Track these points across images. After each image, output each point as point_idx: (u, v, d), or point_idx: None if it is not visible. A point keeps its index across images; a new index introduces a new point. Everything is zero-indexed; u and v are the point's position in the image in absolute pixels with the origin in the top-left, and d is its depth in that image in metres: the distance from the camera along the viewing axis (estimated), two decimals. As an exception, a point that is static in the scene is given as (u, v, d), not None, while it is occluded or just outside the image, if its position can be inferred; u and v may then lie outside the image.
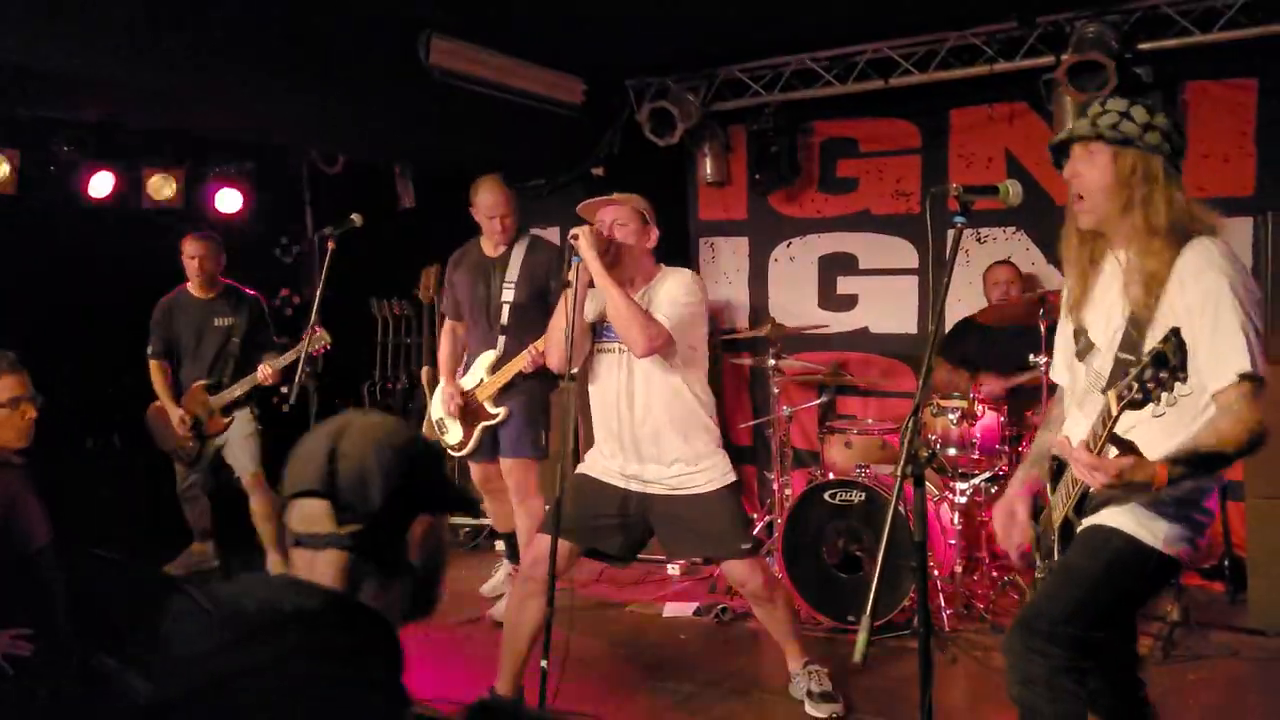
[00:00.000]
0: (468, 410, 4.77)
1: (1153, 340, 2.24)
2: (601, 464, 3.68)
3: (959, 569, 4.79)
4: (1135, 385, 2.03)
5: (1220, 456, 2.25)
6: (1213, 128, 5.37)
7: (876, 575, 2.07)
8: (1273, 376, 4.55)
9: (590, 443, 3.87)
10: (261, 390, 5.53)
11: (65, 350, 5.81)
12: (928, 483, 4.90)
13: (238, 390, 5.41)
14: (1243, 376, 2.24)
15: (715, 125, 6.46)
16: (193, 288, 5.56)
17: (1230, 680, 4.17)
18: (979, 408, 4.79)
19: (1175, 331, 2.01)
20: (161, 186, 6.30)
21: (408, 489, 1.48)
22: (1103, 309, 2.51)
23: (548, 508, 3.84)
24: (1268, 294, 4.67)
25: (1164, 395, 2.02)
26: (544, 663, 3.37)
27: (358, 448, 1.49)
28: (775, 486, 5.34)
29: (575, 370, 3.52)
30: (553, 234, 6.91)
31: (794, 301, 6.58)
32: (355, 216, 4.42)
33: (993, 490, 4.93)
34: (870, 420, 5.65)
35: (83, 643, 3.56)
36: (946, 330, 5.67)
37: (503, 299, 4.73)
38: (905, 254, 6.23)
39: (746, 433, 6.50)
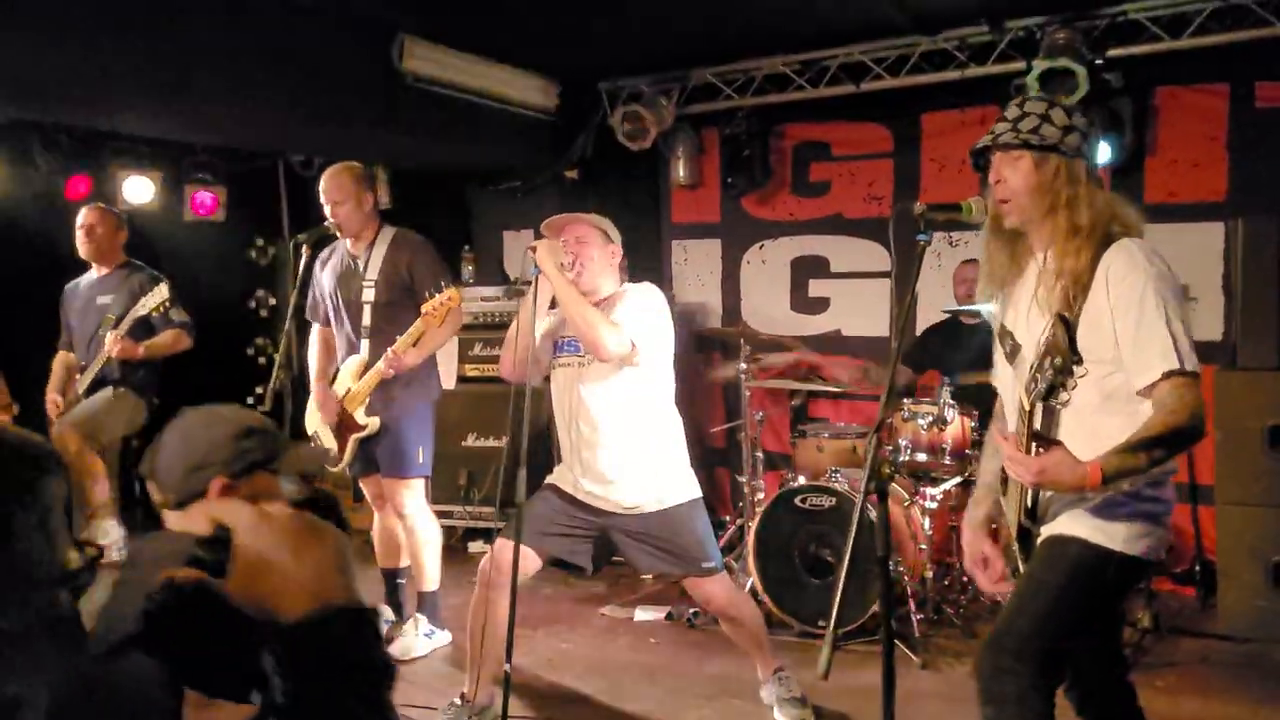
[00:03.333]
0: (340, 421, 4.44)
1: (1079, 339, 2.30)
2: (566, 477, 3.68)
3: (930, 574, 4.80)
4: (1038, 378, 2.12)
5: (1158, 446, 2.25)
6: (1184, 133, 5.40)
7: (838, 594, 2.06)
8: (1245, 384, 4.62)
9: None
10: (134, 370, 5.14)
11: (41, 353, 5.78)
12: (899, 488, 4.95)
13: (92, 371, 5.05)
14: (1168, 374, 2.26)
15: (688, 128, 6.47)
16: (95, 268, 5.29)
17: (1200, 687, 4.18)
18: (949, 413, 4.80)
19: (1060, 318, 2.07)
20: (138, 189, 6.26)
21: (202, 465, 1.71)
22: (1026, 312, 2.52)
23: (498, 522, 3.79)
24: (1239, 299, 4.70)
25: (1066, 381, 2.07)
26: (507, 667, 3.36)
27: (170, 435, 1.77)
28: (747, 490, 5.34)
29: (535, 383, 3.51)
30: (527, 236, 6.92)
31: (766, 304, 6.60)
32: (329, 223, 4.41)
33: (964, 494, 4.94)
34: (842, 423, 5.66)
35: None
36: (917, 334, 5.71)
37: (363, 299, 4.40)
38: (877, 257, 6.23)
39: (720, 435, 6.50)
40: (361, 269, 4.41)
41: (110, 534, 5.23)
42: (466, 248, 6.70)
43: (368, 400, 4.36)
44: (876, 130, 6.22)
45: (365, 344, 4.39)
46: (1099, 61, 5.10)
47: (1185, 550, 5.24)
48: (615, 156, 6.36)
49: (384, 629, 4.63)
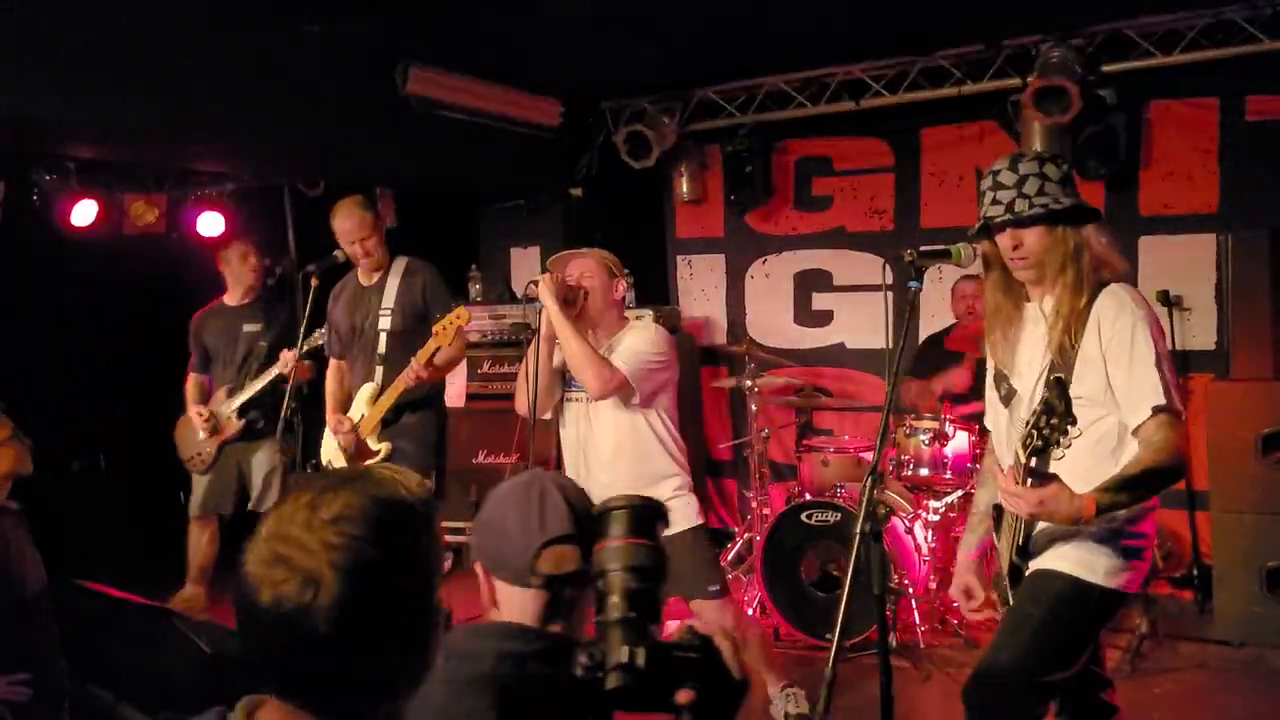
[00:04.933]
0: (355, 448, 4.51)
1: (1074, 383, 2.41)
2: None
3: (933, 585, 4.91)
4: (1034, 434, 2.23)
5: (1145, 482, 2.40)
6: (1176, 146, 5.50)
7: (835, 649, 2.16)
8: (1238, 394, 4.72)
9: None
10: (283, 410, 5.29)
11: (51, 375, 5.89)
12: (901, 499, 5.04)
13: (257, 384, 5.26)
14: (1156, 410, 2.41)
15: (691, 145, 6.56)
16: (228, 297, 5.51)
17: (1197, 692, 4.30)
18: (950, 428, 4.91)
19: (1058, 380, 2.19)
20: (144, 213, 6.34)
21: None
22: (1024, 356, 2.64)
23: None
24: (1229, 314, 4.80)
25: (1060, 439, 2.18)
26: None
27: (577, 495, 1.81)
28: (754, 505, 5.45)
29: (546, 416, 3.60)
30: (532, 254, 7.02)
31: (770, 317, 6.70)
32: (338, 252, 4.48)
33: (965, 506, 5.06)
34: (846, 436, 5.77)
35: (76, 678, 3.63)
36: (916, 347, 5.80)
37: (379, 328, 4.48)
38: (879, 271, 6.28)
39: (727, 447, 6.61)
40: (377, 298, 4.50)
41: None
42: (473, 266, 6.77)
43: (379, 427, 4.43)
44: (877, 145, 6.32)
45: (380, 371, 4.46)
46: (1093, 78, 5.19)
47: (1182, 555, 5.34)
48: (619, 173, 6.44)
49: None
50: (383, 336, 4.46)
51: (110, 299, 6.25)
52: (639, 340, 3.62)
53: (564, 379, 3.75)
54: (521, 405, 3.66)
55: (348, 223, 4.44)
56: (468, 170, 6.19)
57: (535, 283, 3.52)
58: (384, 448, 4.42)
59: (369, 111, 5.32)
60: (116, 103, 4.32)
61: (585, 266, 3.65)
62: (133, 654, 4.04)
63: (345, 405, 4.62)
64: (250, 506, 5.35)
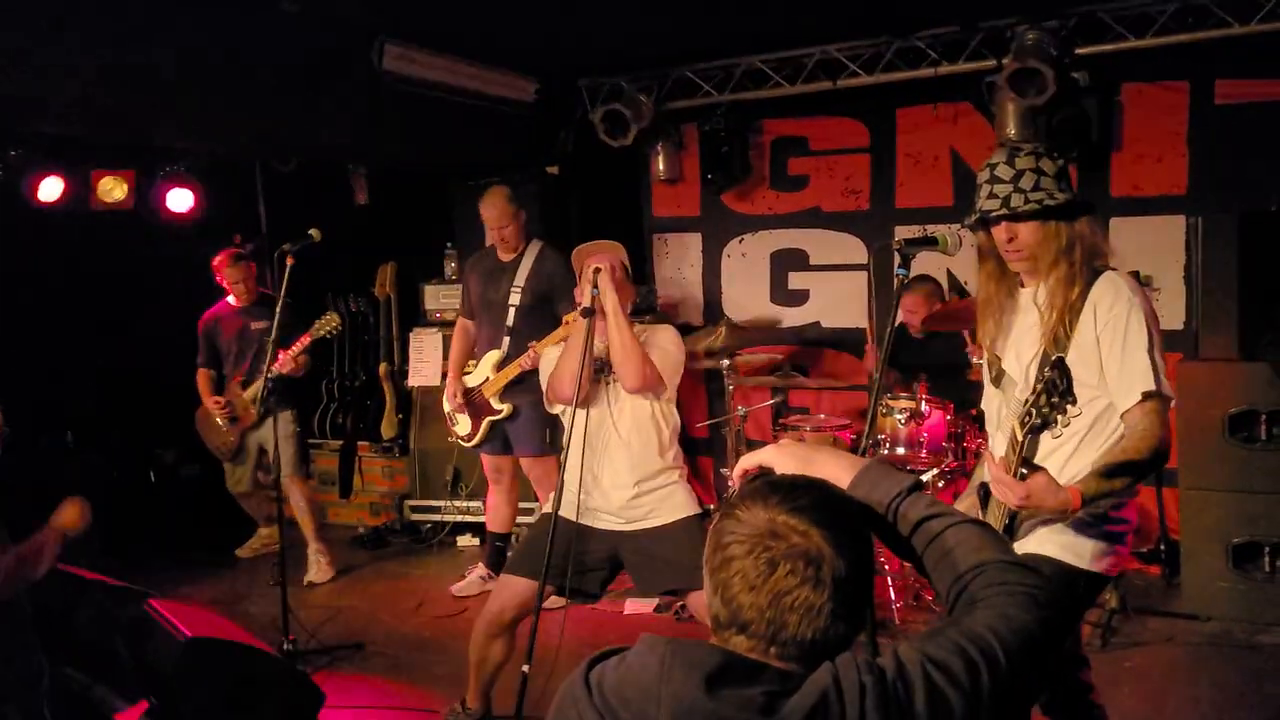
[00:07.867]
0: (475, 405, 5.19)
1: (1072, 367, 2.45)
2: (571, 501, 3.69)
3: (908, 562, 4.96)
4: (1034, 412, 2.26)
5: (1129, 469, 2.44)
6: (1148, 128, 5.57)
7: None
8: (1206, 374, 4.80)
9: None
10: (298, 390, 6.04)
11: (17, 351, 5.81)
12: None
13: (260, 383, 5.60)
14: (1146, 395, 2.48)
15: (668, 124, 6.55)
16: (232, 300, 5.99)
17: (1166, 666, 4.40)
18: (925, 407, 4.96)
19: (1059, 360, 2.23)
20: (112, 189, 6.22)
21: None
22: (1017, 342, 2.70)
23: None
24: (1197, 295, 4.89)
25: (1059, 418, 2.23)
26: (525, 668, 3.53)
27: None
28: (730, 484, 5.48)
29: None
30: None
31: (747, 296, 6.73)
32: (313, 232, 4.51)
33: (940, 485, 5.12)
34: (822, 415, 5.81)
35: (50, 661, 3.60)
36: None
37: (510, 302, 5.12)
38: (855, 250, 6.38)
39: (704, 426, 6.63)
40: (511, 276, 5.15)
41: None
42: (449, 245, 6.74)
43: (503, 389, 5.08)
44: (853, 125, 6.35)
45: (506, 340, 5.12)
46: (1067, 60, 5.24)
47: (1150, 530, 5.43)
48: (596, 152, 6.42)
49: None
50: (511, 310, 5.12)
51: (77, 275, 6.18)
52: (667, 342, 3.68)
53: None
54: (567, 391, 3.62)
55: (490, 211, 5.14)
56: (443, 148, 6.14)
57: (599, 270, 3.55)
58: (506, 407, 5.11)
59: (343, 88, 5.28)
60: (87, 78, 4.25)
61: (613, 259, 3.68)
62: (107, 636, 4.02)
63: (462, 367, 5.29)
64: (275, 474, 5.79)
